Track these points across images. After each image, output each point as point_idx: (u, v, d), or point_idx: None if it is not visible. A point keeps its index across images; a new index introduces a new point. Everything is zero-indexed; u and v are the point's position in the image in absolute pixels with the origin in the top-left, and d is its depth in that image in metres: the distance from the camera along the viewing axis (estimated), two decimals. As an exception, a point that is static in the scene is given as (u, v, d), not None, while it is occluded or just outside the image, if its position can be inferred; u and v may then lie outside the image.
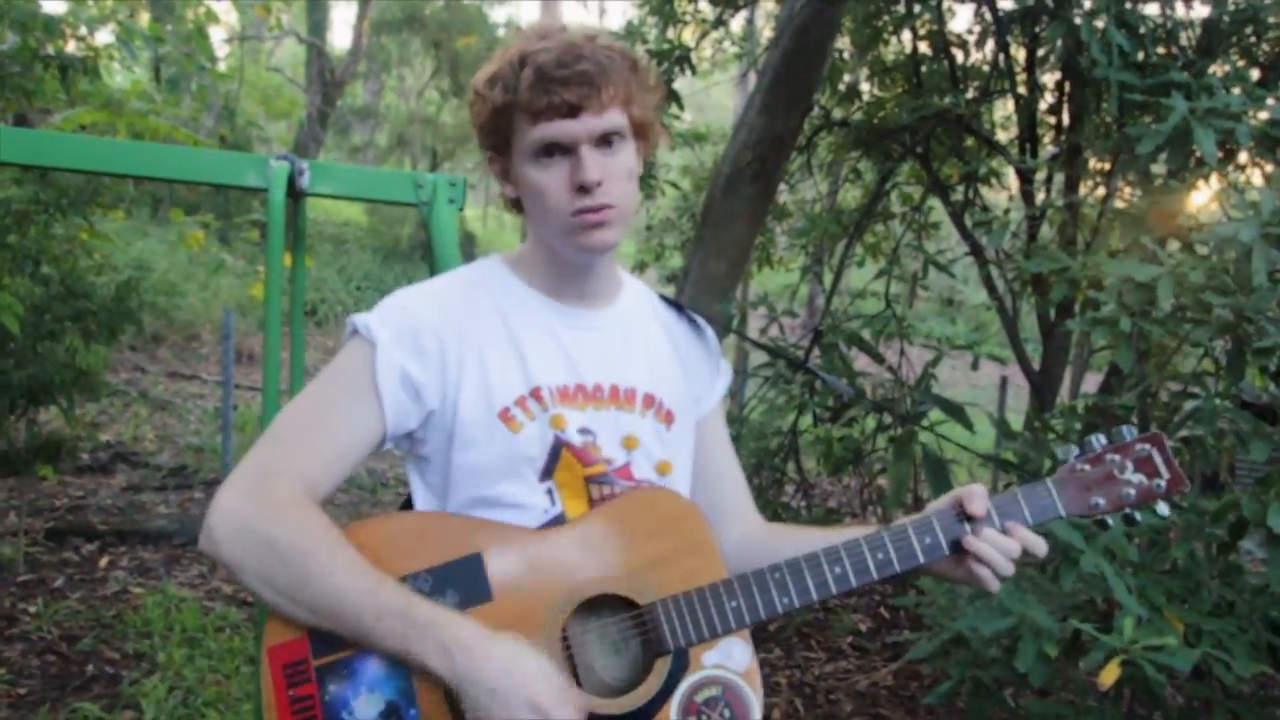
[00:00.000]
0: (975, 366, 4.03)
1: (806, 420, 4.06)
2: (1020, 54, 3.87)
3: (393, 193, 2.07)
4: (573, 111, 1.06)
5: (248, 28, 15.81)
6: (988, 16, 3.84)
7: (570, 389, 1.14)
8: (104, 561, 4.31)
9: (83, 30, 5.09)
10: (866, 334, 3.63)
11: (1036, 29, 3.51)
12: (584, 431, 1.13)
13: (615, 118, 1.08)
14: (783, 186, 5.20)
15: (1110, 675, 1.59)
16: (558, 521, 1.11)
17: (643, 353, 1.21)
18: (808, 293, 10.01)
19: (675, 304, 1.31)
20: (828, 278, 4.70)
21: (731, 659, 1.09)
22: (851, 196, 6.10)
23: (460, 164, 18.02)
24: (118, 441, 6.32)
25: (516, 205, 1.19)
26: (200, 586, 4.12)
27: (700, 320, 1.32)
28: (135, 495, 5.32)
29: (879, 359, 3.51)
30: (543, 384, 1.12)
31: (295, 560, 0.99)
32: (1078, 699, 2.04)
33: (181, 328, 9.66)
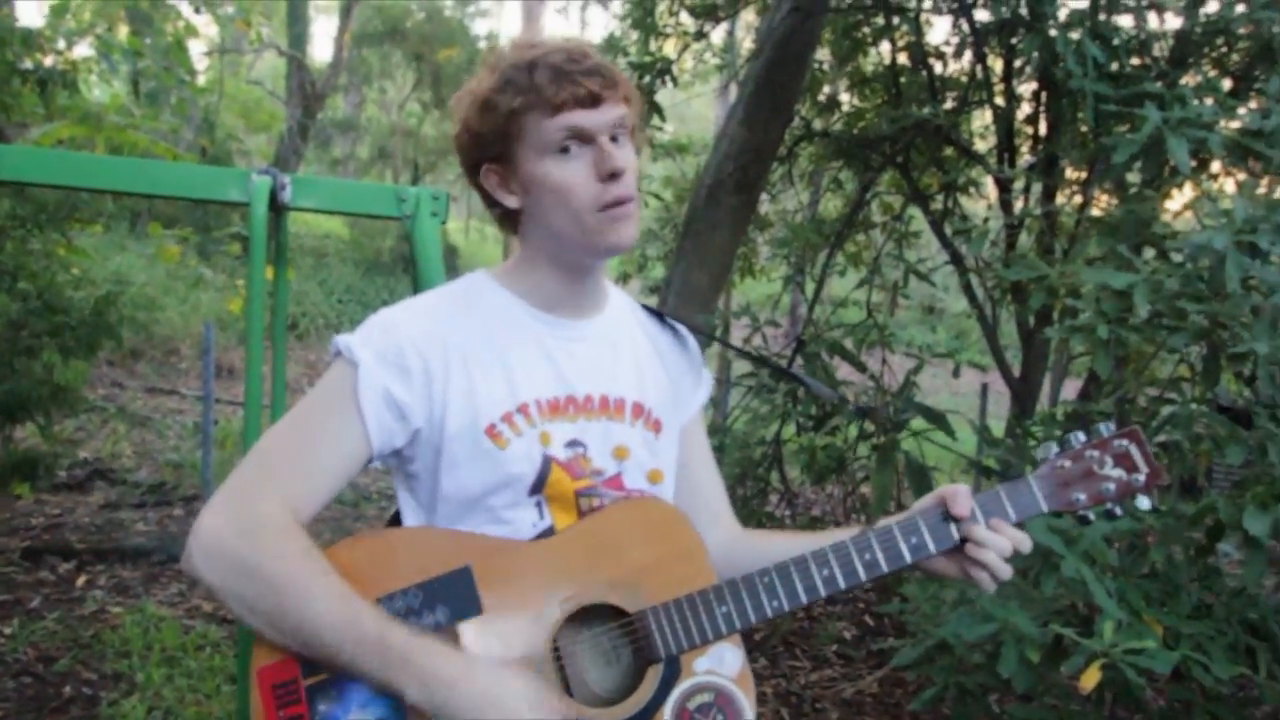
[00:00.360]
0: (956, 374, 4.06)
1: (790, 429, 4.07)
2: (997, 65, 3.92)
3: (375, 207, 2.07)
4: (595, 101, 1.07)
5: (227, 41, 15.77)
6: (965, 28, 3.89)
7: (560, 401, 1.14)
8: (81, 581, 4.25)
9: (60, 44, 5.05)
10: (849, 343, 3.66)
11: (1013, 40, 3.56)
12: (574, 444, 1.14)
13: (625, 111, 1.11)
14: (764, 197, 5.23)
15: (1091, 679, 1.60)
16: (547, 535, 1.11)
17: (630, 362, 1.22)
18: (790, 302, 10.06)
19: (656, 313, 1.31)
20: (809, 287, 4.73)
21: (723, 665, 1.09)
22: (833, 206, 6.15)
23: (442, 176, 18.00)
24: (95, 458, 6.24)
25: (509, 219, 1.18)
26: (180, 605, 4.07)
27: (681, 329, 1.32)
28: (113, 513, 5.25)
29: (861, 368, 3.53)
30: (530, 399, 1.12)
31: (275, 588, 0.99)
32: (1061, 703, 2.05)
33: (160, 342, 9.58)
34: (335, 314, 12.39)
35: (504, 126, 1.10)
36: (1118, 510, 1.14)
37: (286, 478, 1.05)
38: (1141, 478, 1.12)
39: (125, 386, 8.53)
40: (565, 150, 1.08)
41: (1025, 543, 1.12)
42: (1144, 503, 1.13)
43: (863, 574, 1.10)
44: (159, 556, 4.53)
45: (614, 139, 1.10)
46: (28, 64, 4.24)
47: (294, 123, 14.23)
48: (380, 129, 19.27)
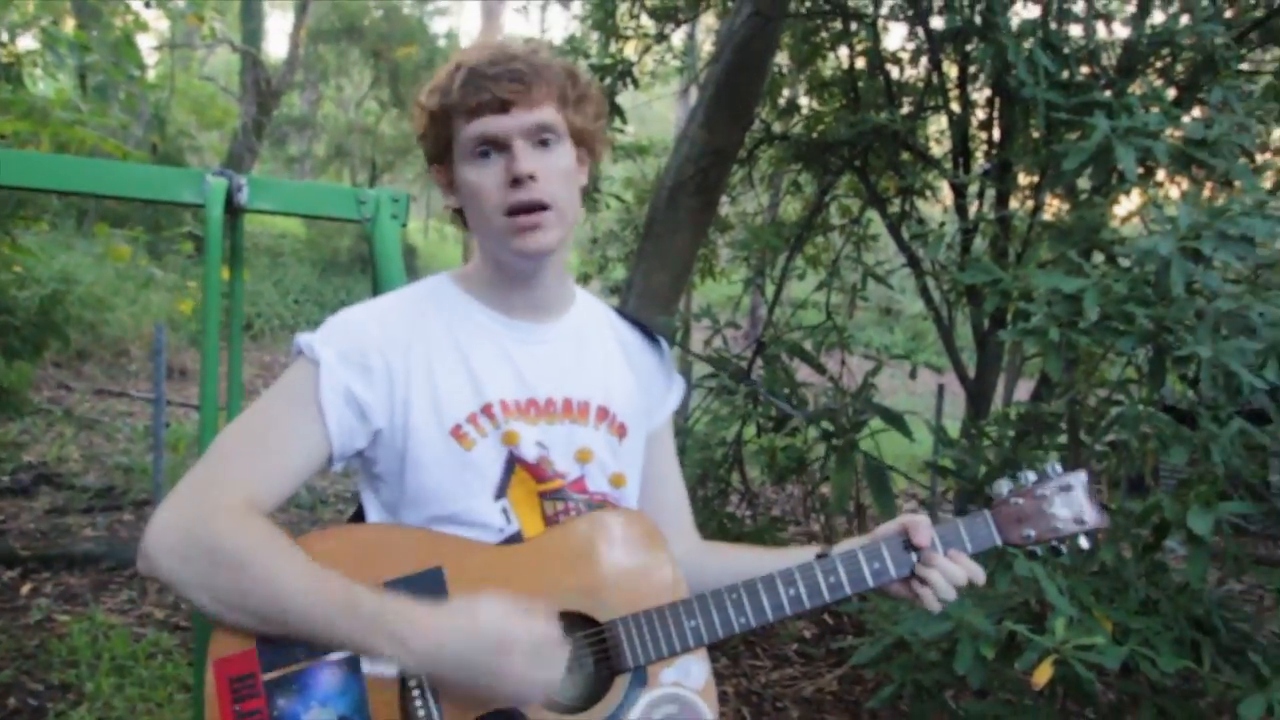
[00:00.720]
0: (913, 375, 4.13)
1: (750, 430, 4.10)
2: (953, 71, 3.99)
3: (334, 209, 2.05)
4: (504, 106, 1.08)
5: (179, 35, 15.42)
6: (921, 35, 3.95)
7: (523, 404, 1.14)
8: (26, 588, 4.13)
9: (3, 36, 4.91)
10: (808, 345, 3.70)
11: (967, 48, 3.63)
12: (538, 445, 1.14)
13: (549, 115, 1.10)
14: (724, 199, 5.26)
15: (1044, 674, 1.65)
16: (514, 539, 1.11)
17: (595, 365, 1.22)
18: (750, 304, 10.13)
19: (630, 317, 1.31)
20: (769, 289, 4.77)
21: (689, 677, 1.11)
22: (792, 209, 6.21)
23: (400, 175, 17.81)
24: (41, 462, 6.07)
25: (461, 217, 1.20)
26: (130, 612, 3.98)
27: (656, 334, 1.33)
28: (60, 518, 5.10)
29: (821, 369, 3.57)
30: (494, 400, 1.12)
31: (237, 564, 0.97)
32: (1015, 699, 2.10)
33: (109, 343, 9.34)
34: (291, 314, 12.19)
35: (436, 130, 1.12)
36: (1063, 548, 1.21)
37: (244, 474, 1.04)
38: (1086, 519, 1.20)
39: (73, 388, 8.30)
40: (484, 155, 1.09)
41: (979, 574, 1.18)
42: (1085, 542, 1.21)
43: (827, 595, 1.15)
44: (108, 563, 4.41)
45: (543, 143, 1.10)
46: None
47: (248, 120, 13.97)
48: (337, 127, 19.00)
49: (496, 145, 1.09)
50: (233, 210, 1.83)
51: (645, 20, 5.36)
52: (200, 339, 1.78)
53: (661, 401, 1.31)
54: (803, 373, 3.73)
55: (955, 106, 4.00)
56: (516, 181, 1.08)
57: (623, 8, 5.21)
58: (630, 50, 5.27)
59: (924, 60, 4.15)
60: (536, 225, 1.08)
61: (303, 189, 2.15)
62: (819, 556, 1.17)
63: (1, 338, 3.81)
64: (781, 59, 5.11)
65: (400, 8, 17.94)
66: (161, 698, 3.17)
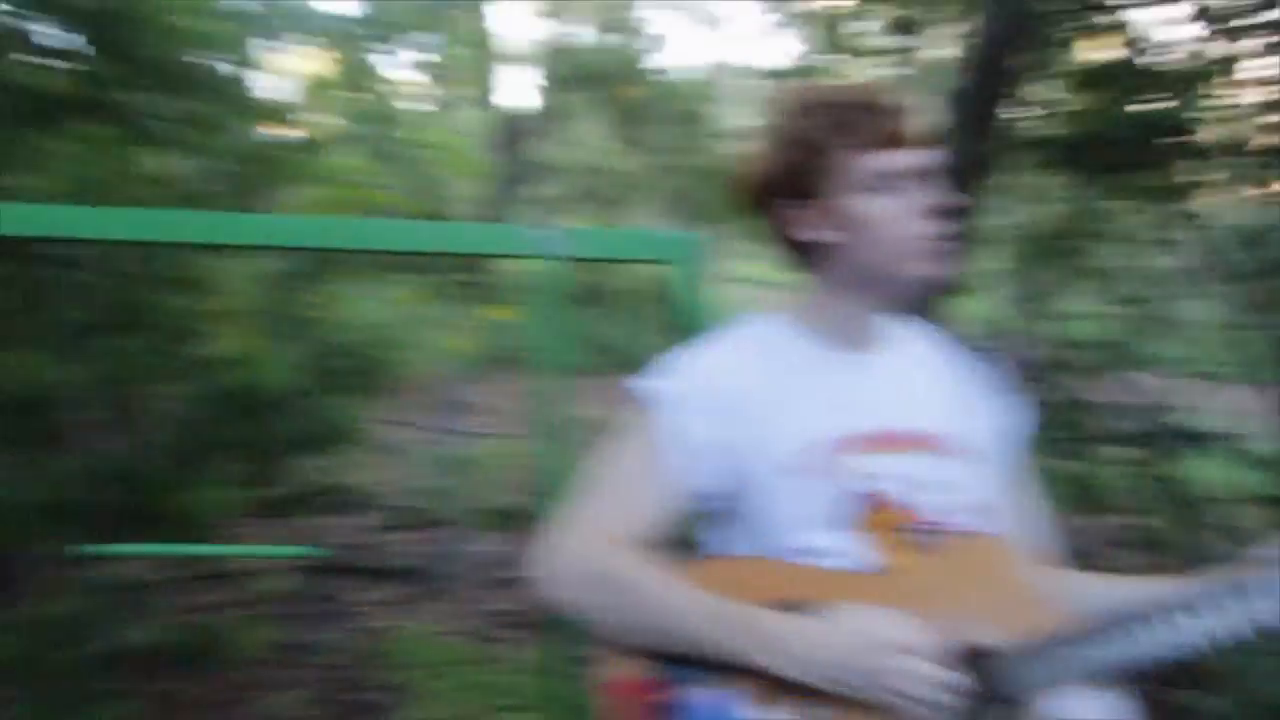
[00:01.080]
0: (1222, 393, 3.74)
1: (1045, 458, 3.87)
2: (1235, 48, 3.60)
3: (640, 252, 2.25)
4: (922, 143, 1.16)
5: (439, 97, 17.08)
6: (1190, 17, 3.62)
7: (867, 437, 1.16)
8: (357, 597, 4.66)
9: (308, 114, 5.75)
10: (1095, 364, 3.46)
11: (1247, 24, 3.27)
12: (889, 478, 1.15)
13: (937, 152, 1.18)
14: (984, 210, 5.05)
15: None
16: (871, 569, 1.12)
17: (932, 393, 1.23)
18: (1017, 320, 9.56)
19: (955, 340, 1.32)
20: (1042, 304, 4.52)
21: (1077, 710, 1.05)
22: (1054, 216, 5.83)
23: (641, 212, 18.51)
24: (364, 485, 6.78)
25: (804, 254, 1.22)
26: (445, 621, 4.36)
27: (986, 354, 1.35)
28: (378, 534, 5.72)
29: (1116, 389, 3.33)
30: (839, 435, 1.16)
31: (630, 587, 1.09)
32: None
33: (402, 379, 10.44)
34: (561, 350, 12.84)
35: (821, 163, 1.16)
36: None
37: (611, 523, 1.14)
38: None
39: (382, 421, 9.33)
40: (890, 186, 1.15)
41: None
42: None
43: (1266, 622, 0.97)
44: (424, 576, 4.90)
45: (931, 178, 1.16)
46: (279, 134, 4.87)
47: (506, 169, 15.17)
48: (578, 168, 20.09)
49: (908, 177, 1.15)
50: (555, 259, 2.09)
51: (880, 40, 5.32)
52: (535, 378, 2.04)
53: (1003, 421, 1.29)
54: (1096, 392, 3.49)
55: (1231, 91, 3.61)
56: (935, 212, 1.15)
57: (851, 24, 5.20)
58: (864, 68, 5.24)
59: (1193, 43, 3.79)
60: (949, 253, 1.16)
61: (610, 235, 2.40)
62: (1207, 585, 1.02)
63: (339, 378, 4.46)
64: (1030, 59, 4.85)
65: (626, 49, 18.73)
66: (490, 702, 3.44)
